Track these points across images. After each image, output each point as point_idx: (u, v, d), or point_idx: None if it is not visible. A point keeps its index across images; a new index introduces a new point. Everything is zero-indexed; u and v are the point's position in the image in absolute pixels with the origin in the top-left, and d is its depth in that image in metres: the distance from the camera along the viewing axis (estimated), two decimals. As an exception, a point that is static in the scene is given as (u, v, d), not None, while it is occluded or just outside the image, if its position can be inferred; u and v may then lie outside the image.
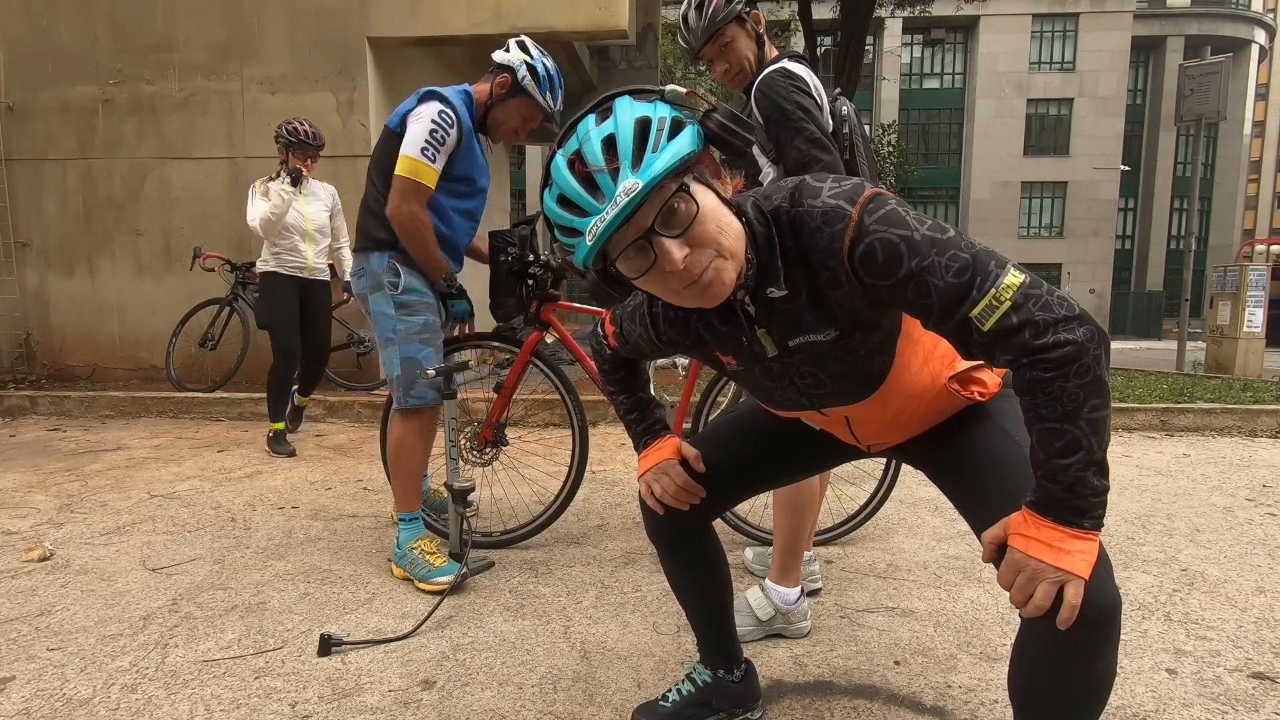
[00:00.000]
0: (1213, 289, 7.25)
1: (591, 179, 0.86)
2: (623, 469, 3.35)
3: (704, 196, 0.88)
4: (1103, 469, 0.81)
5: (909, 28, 27.13)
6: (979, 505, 1.00)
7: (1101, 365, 0.81)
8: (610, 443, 3.92)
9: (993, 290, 0.83)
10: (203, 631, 1.73)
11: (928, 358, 1.06)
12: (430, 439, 2.17)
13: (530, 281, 2.21)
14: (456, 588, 1.95)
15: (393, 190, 1.99)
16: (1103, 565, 0.84)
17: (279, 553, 2.27)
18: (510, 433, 2.59)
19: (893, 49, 27.76)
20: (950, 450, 1.09)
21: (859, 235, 0.88)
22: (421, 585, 1.97)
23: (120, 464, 3.40)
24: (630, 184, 0.83)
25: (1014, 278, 0.83)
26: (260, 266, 3.70)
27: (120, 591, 1.97)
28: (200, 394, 4.73)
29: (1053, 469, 0.81)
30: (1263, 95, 34.43)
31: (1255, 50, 30.58)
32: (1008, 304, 0.82)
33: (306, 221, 3.68)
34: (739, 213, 0.95)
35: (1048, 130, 27.85)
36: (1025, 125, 27.67)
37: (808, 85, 1.77)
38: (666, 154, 0.85)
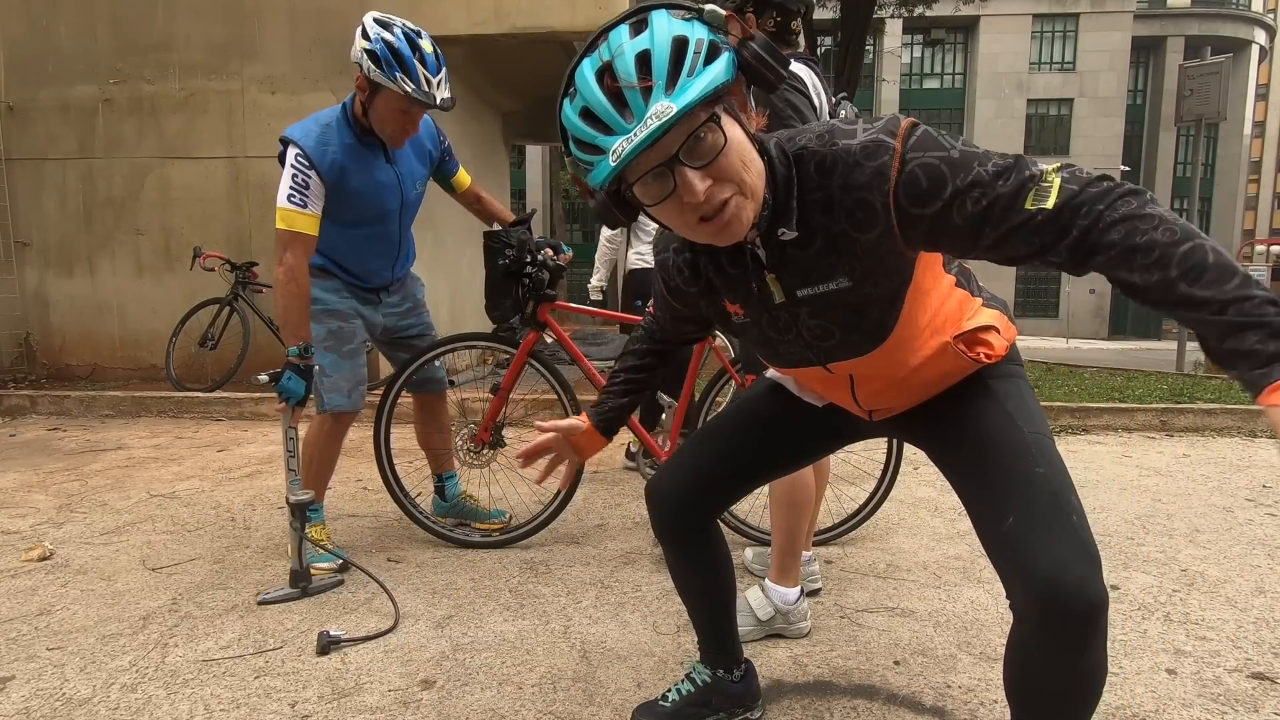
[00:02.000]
0: (1213, 289, 7.24)
1: (621, 95, 0.81)
2: (622, 469, 3.34)
3: (731, 129, 0.85)
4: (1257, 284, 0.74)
5: (909, 28, 27.11)
6: (975, 486, 0.99)
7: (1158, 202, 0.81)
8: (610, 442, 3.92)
9: (1042, 176, 0.83)
10: (203, 631, 1.73)
11: (935, 312, 1.04)
12: (340, 443, 2.23)
13: (526, 282, 2.21)
14: (321, 589, 1.97)
15: (277, 247, 1.94)
16: (1090, 561, 0.84)
17: (279, 553, 2.26)
18: (510, 433, 2.59)
19: (893, 49, 27.75)
20: (951, 427, 1.08)
21: (904, 165, 0.86)
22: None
23: (120, 464, 3.40)
24: (663, 107, 0.79)
25: (1049, 164, 0.84)
26: (634, 263, 3.19)
27: (120, 591, 1.97)
28: (200, 394, 4.73)
29: (1227, 307, 0.73)
30: (1263, 95, 34.43)
31: (1255, 50, 30.56)
32: (1059, 180, 0.82)
33: None
34: (762, 150, 0.93)
35: (1048, 130, 27.82)
36: (1025, 125, 27.64)
37: (804, 85, 1.77)
38: (702, 80, 0.81)
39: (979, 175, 0.84)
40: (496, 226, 2.33)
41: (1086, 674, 0.87)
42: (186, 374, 5.10)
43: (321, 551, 2.08)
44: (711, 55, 0.83)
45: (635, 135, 0.80)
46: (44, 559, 2.19)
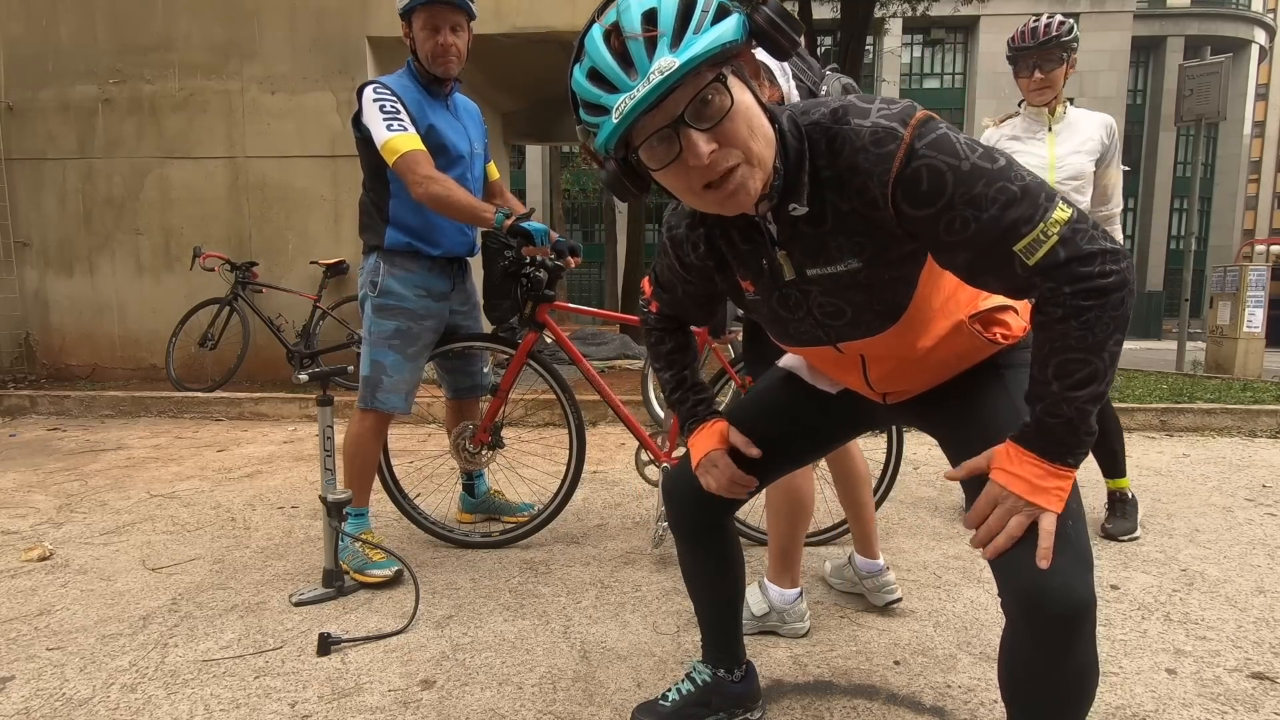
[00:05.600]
0: (1213, 289, 7.24)
1: (626, 54, 0.81)
2: (622, 469, 3.35)
3: (739, 93, 0.84)
4: (1098, 408, 0.85)
5: (909, 28, 27.12)
6: (974, 480, 0.98)
7: (1131, 302, 0.83)
8: (610, 443, 3.92)
9: (1041, 224, 0.82)
10: (203, 631, 1.73)
11: (950, 294, 1.01)
12: (382, 442, 2.18)
13: (525, 282, 2.20)
14: (392, 581, 2.00)
15: (403, 181, 1.96)
16: (1079, 564, 0.84)
17: (279, 553, 2.27)
18: (510, 433, 2.59)
19: (893, 49, 27.74)
20: (960, 417, 1.06)
21: (908, 159, 0.84)
22: (356, 576, 2.01)
23: (120, 464, 3.40)
24: (666, 62, 0.79)
25: (1062, 212, 0.82)
26: None
27: (120, 591, 1.97)
28: (200, 394, 4.73)
29: (1059, 401, 0.84)
30: (1263, 95, 34.41)
31: (1255, 50, 30.55)
32: (1055, 239, 0.81)
33: (1049, 170, 2.54)
34: (772, 120, 0.91)
35: (1048, 130, 27.80)
36: (1025, 125, 27.63)
37: (772, 74, 1.76)
38: (708, 37, 0.80)
39: (980, 195, 0.83)
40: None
41: (1074, 675, 0.87)
42: (186, 374, 5.10)
43: (376, 557, 2.03)
44: (720, 15, 0.82)
45: (638, 91, 0.80)
46: (44, 559, 2.19)
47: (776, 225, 0.96)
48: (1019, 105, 2.64)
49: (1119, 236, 2.56)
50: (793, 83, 1.73)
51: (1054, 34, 2.43)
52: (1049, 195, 0.83)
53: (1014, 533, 0.86)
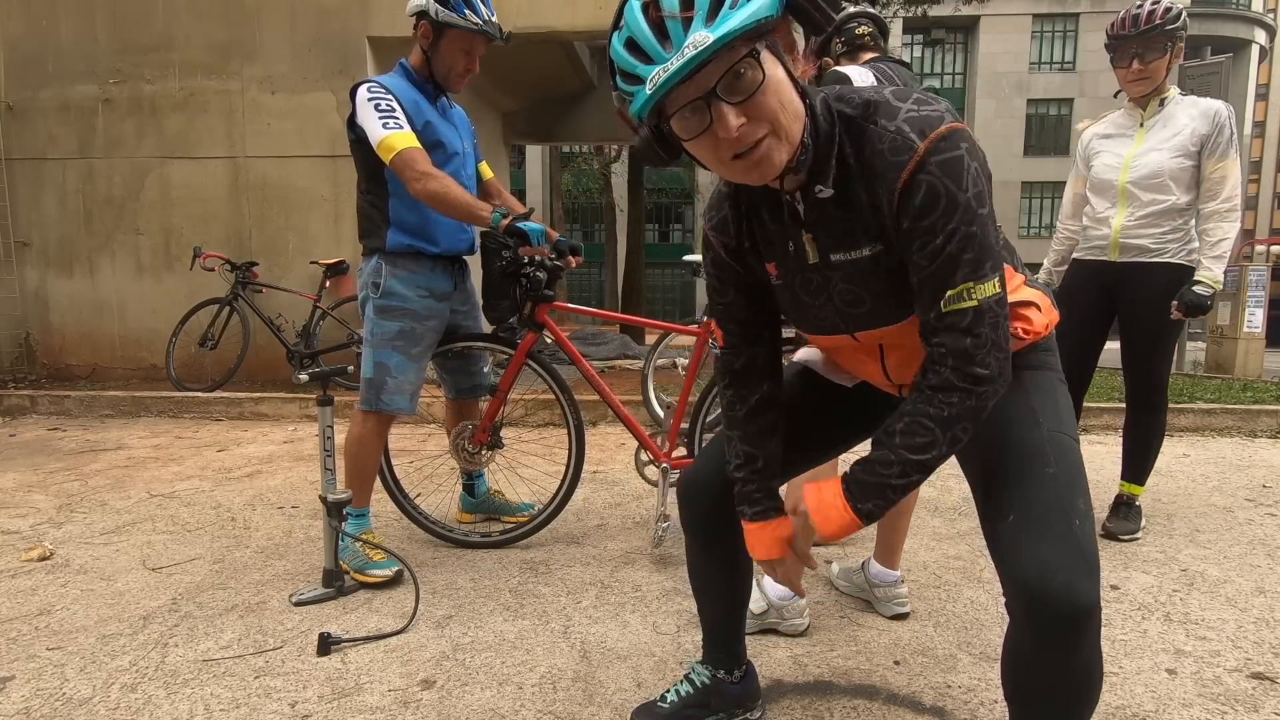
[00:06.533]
0: (1213, 289, 7.24)
1: (663, 25, 0.83)
2: (622, 469, 3.35)
3: (772, 68, 0.86)
4: (910, 482, 0.94)
5: (909, 28, 27.12)
6: (984, 479, 0.99)
7: (992, 403, 0.92)
8: (610, 442, 3.92)
9: (972, 285, 0.88)
10: (203, 631, 1.73)
11: None
12: (384, 443, 2.17)
13: (524, 282, 2.20)
14: (392, 581, 2.01)
15: (400, 179, 1.96)
16: (1083, 565, 0.84)
17: (279, 553, 2.27)
18: (509, 433, 2.59)
19: (893, 49, 27.76)
20: None
21: (916, 170, 0.87)
22: (356, 575, 2.00)
23: (120, 463, 3.40)
24: (701, 37, 0.80)
25: (992, 287, 0.88)
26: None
27: (120, 591, 1.97)
28: (200, 393, 4.73)
29: (889, 452, 0.94)
30: (1263, 95, 34.39)
31: (1255, 50, 30.56)
32: (974, 304, 0.88)
33: (1122, 170, 2.40)
34: (803, 95, 0.92)
35: (1048, 130, 27.83)
36: (1025, 125, 27.66)
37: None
38: (743, 12, 0.81)
39: (955, 230, 0.87)
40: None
41: (1078, 676, 0.87)
42: (186, 374, 5.10)
43: (377, 557, 2.02)
44: None
45: (671, 64, 0.82)
46: (44, 559, 2.19)
47: (804, 206, 0.97)
48: (1115, 95, 2.48)
49: (1232, 232, 2.27)
50: None
51: (1157, 22, 2.25)
52: (994, 265, 0.89)
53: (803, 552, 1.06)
